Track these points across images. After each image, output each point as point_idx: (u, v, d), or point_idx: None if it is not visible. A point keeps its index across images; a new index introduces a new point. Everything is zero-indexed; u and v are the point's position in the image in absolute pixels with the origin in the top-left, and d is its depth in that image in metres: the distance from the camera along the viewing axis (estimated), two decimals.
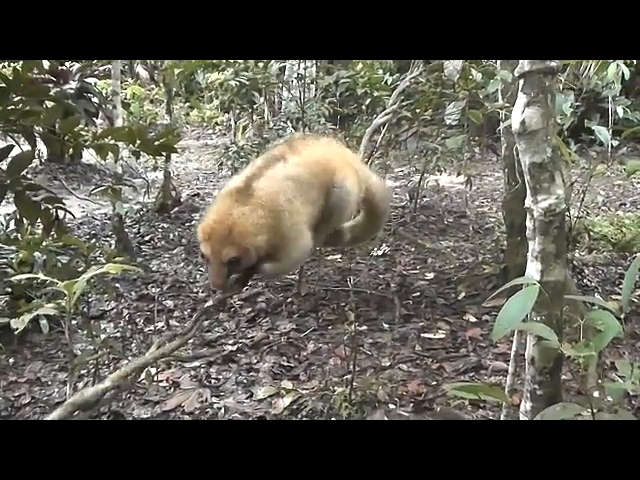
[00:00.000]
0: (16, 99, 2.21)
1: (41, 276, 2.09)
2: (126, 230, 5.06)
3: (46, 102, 2.48)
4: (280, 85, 6.57)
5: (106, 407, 2.48)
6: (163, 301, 3.88)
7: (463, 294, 3.73)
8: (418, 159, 5.91)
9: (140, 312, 3.75)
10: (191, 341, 3.01)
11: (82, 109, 6.56)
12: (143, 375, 2.20)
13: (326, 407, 2.54)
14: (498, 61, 3.19)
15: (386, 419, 2.48)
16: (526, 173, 1.50)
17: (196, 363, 3.08)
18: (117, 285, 4.09)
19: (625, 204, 6.37)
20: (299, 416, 2.55)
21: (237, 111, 9.92)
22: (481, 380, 2.80)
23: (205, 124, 13.70)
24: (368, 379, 2.73)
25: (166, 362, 2.98)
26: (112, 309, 3.81)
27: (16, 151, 2.31)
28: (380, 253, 4.72)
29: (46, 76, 7.11)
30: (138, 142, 2.45)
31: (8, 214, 3.63)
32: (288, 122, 5.71)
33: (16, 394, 2.84)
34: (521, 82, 1.47)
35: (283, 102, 7.49)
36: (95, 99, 7.49)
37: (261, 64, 5.69)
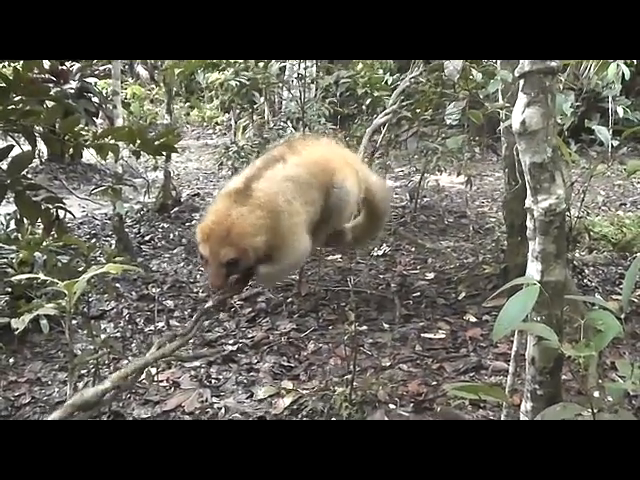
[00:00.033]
0: (16, 99, 2.21)
1: (41, 276, 2.09)
2: (126, 230, 5.07)
3: (46, 102, 2.48)
4: (280, 85, 6.57)
5: (106, 407, 2.48)
6: (163, 301, 3.88)
7: (463, 294, 3.73)
8: (418, 159, 5.91)
9: (140, 312, 3.75)
10: (191, 341, 3.00)
11: (82, 109, 6.56)
12: (143, 375, 2.20)
13: (326, 407, 2.53)
14: (498, 61, 3.19)
15: (386, 419, 2.48)
16: (526, 173, 1.50)
17: (196, 363, 3.08)
18: (117, 285, 4.09)
19: (625, 204, 6.37)
20: (299, 416, 2.55)
21: (237, 111, 9.91)
22: (481, 380, 2.79)
23: (205, 124, 13.71)
24: (368, 379, 2.73)
25: (166, 362, 2.98)
26: (112, 309, 3.81)
27: (16, 151, 2.31)
28: (380, 253, 4.72)
29: (46, 76, 7.11)
30: (138, 142, 2.45)
31: (8, 214, 3.63)
32: (288, 122, 5.71)
33: (16, 394, 2.84)
34: (521, 82, 1.47)
35: (283, 102, 7.49)
36: (95, 99, 7.49)
37: (261, 64, 5.69)
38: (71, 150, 2.61)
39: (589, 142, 5.61)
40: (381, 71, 7.99)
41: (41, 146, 3.13)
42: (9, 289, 3.32)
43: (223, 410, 2.64)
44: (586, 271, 3.85)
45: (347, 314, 2.83)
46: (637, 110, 8.48)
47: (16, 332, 2.22)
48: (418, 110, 4.25)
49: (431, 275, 4.22)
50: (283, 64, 6.65)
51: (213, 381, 2.91)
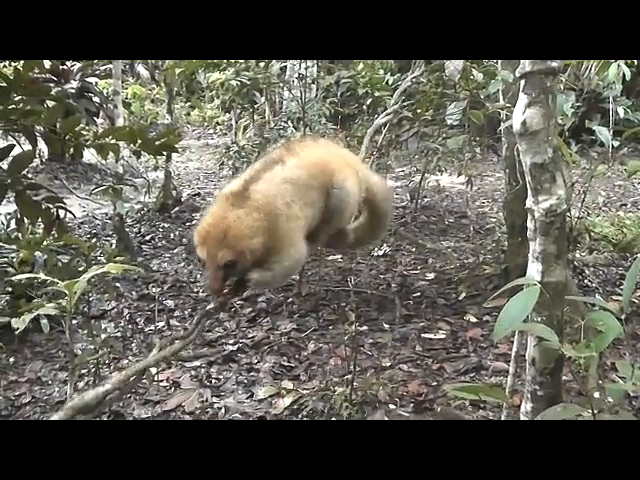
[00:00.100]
0: (17, 98, 2.21)
1: (42, 276, 2.09)
2: (127, 230, 5.07)
3: (47, 102, 2.48)
4: (281, 85, 6.57)
5: (106, 407, 2.48)
6: (164, 301, 3.89)
7: (464, 294, 3.73)
8: (419, 159, 5.91)
9: (141, 312, 3.76)
10: None
11: (83, 109, 6.58)
12: (144, 375, 2.20)
13: (326, 407, 2.53)
14: (499, 61, 3.19)
15: (386, 419, 2.48)
16: (527, 173, 1.50)
17: (197, 363, 3.08)
18: (118, 285, 4.10)
19: (626, 205, 6.37)
20: (299, 416, 2.55)
21: (238, 111, 9.92)
22: (482, 381, 2.79)
23: (206, 124, 13.72)
24: (369, 379, 2.73)
25: (166, 362, 2.98)
26: (113, 309, 3.81)
27: (17, 150, 2.31)
28: (381, 253, 4.72)
29: (47, 75, 7.13)
30: (139, 142, 2.45)
31: (9, 213, 3.63)
32: (289, 122, 5.71)
33: (16, 393, 2.84)
34: (522, 82, 1.47)
35: (284, 102, 7.49)
36: (96, 99, 7.50)
37: (262, 64, 5.69)
38: (72, 150, 2.61)
39: (590, 142, 5.62)
40: (382, 71, 7.98)
41: (42, 146, 3.14)
42: (9, 288, 3.32)
43: (223, 410, 2.64)
44: (587, 272, 3.85)
45: (347, 314, 2.83)
46: (638, 110, 8.48)
47: (16, 332, 2.22)
48: (419, 110, 4.25)
49: (431, 275, 4.22)
50: (284, 64, 6.64)
51: (213, 381, 2.92)
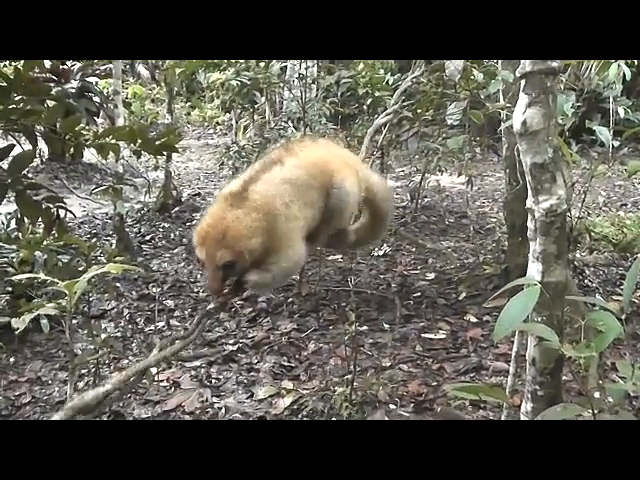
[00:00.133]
0: (17, 98, 2.21)
1: (42, 275, 2.09)
2: (127, 229, 5.07)
3: (47, 101, 2.48)
4: (281, 85, 6.57)
5: (106, 407, 2.48)
6: (164, 301, 3.88)
7: (464, 294, 3.73)
8: (419, 159, 5.91)
9: (141, 312, 3.75)
10: None
11: (83, 108, 6.58)
12: (144, 375, 2.20)
13: (327, 407, 2.53)
14: (499, 61, 3.19)
15: (387, 419, 2.48)
16: (527, 173, 1.50)
17: (197, 363, 3.08)
18: (118, 284, 4.10)
19: (626, 205, 6.37)
20: (300, 416, 2.55)
21: (238, 111, 9.91)
22: (482, 381, 2.79)
23: (206, 124, 13.71)
24: (369, 379, 2.73)
25: (167, 362, 2.98)
26: (113, 309, 3.81)
27: (17, 150, 2.31)
28: (381, 253, 4.72)
29: (47, 75, 7.12)
30: (139, 141, 2.45)
31: (9, 213, 3.63)
32: (289, 122, 5.71)
33: (16, 393, 2.84)
34: (522, 82, 1.47)
35: (284, 102, 7.48)
36: (96, 98, 7.50)
37: (262, 64, 5.69)
38: (72, 149, 2.61)
39: (590, 143, 5.62)
40: (382, 71, 7.97)
41: (42, 145, 3.14)
42: (9, 288, 3.32)
43: (223, 410, 2.64)
44: (587, 272, 3.85)
45: (347, 314, 2.83)
46: (638, 111, 8.48)
47: (16, 331, 2.22)
48: (419, 110, 4.25)
49: (432, 275, 4.22)
50: (284, 64, 6.65)
51: (213, 381, 2.91)
